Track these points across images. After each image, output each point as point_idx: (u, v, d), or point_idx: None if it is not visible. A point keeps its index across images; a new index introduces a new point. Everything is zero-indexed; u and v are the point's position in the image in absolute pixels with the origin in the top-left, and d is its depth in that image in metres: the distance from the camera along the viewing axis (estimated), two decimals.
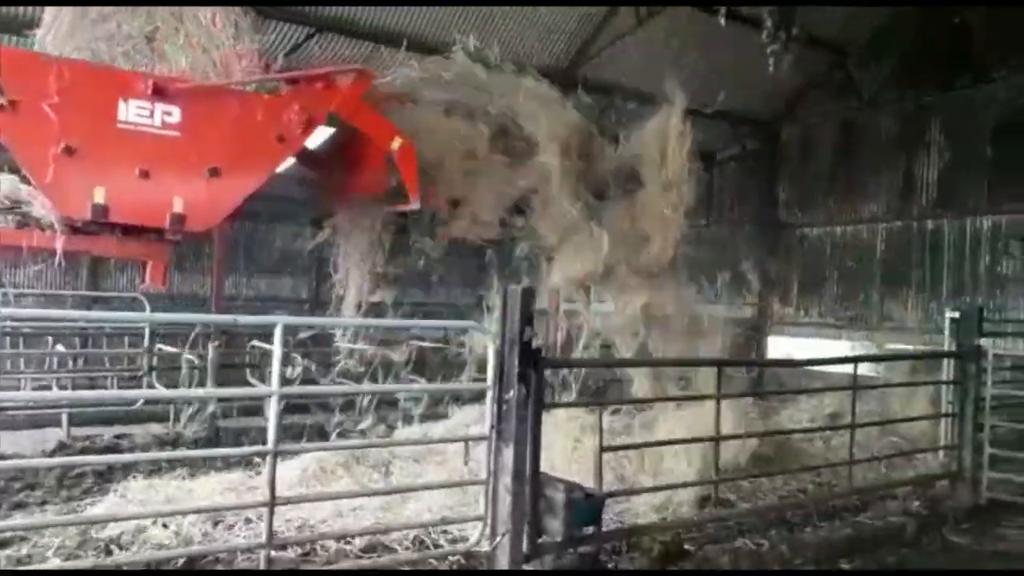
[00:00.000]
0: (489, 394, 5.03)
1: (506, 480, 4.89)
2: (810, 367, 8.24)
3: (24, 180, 5.83)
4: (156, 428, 9.37)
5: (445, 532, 5.66)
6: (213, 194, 5.88)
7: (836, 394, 8.87)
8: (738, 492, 6.68)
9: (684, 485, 6.25)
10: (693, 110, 15.01)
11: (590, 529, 5.09)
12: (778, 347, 16.58)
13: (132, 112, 5.61)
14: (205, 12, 6.27)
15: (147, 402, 9.38)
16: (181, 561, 4.95)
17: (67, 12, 6.02)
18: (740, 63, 13.07)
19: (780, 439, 7.23)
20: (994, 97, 13.35)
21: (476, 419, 8.82)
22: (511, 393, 4.87)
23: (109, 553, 5.18)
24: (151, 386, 9.57)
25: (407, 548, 5.51)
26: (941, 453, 7.65)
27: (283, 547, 5.12)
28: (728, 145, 17.68)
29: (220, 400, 9.11)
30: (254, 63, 6.39)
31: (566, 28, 12.93)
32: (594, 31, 13.03)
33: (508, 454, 4.88)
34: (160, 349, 10.12)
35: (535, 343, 4.94)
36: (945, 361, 8.09)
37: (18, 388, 9.66)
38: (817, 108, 16.41)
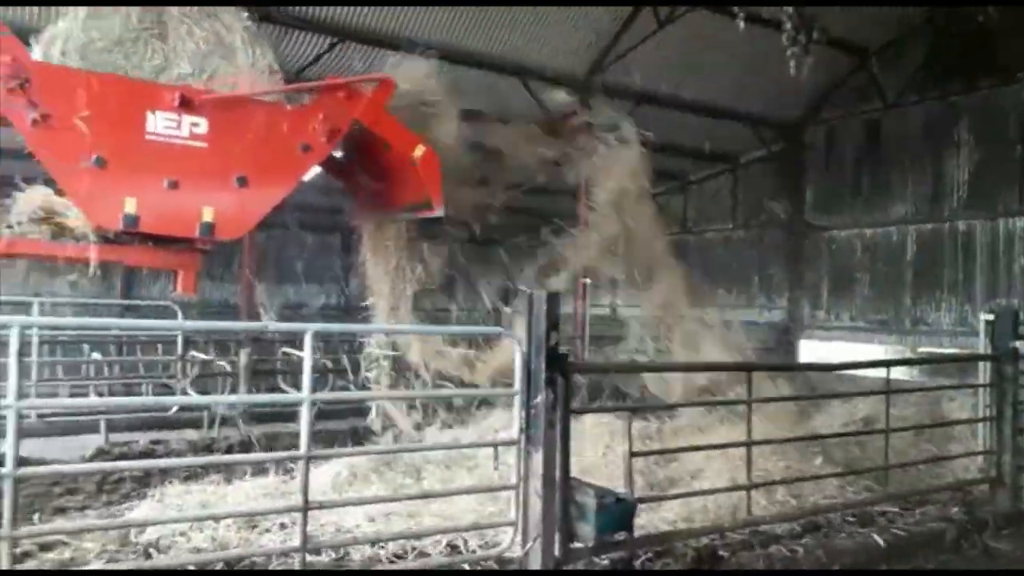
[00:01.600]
0: (517, 399, 5.04)
1: (536, 485, 4.89)
2: (842, 371, 8.15)
3: (59, 192, 5.90)
4: (190, 434, 9.49)
5: (477, 537, 5.68)
6: (242, 203, 5.92)
7: (869, 399, 8.76)
8: (772, 498, 6.61)
9: (717, 491, 6.20)
10: (715, 112, 15.07)
11: (622, 535, 5.08)
12: (809, 351, 16.43)
13: (160, 124, 5.66)
14: (222, 22, 6.29)
15: (181, 408, 9.51)
16: (220, 565, 5.01)
17: (79, 22, 5.97)
18: (761, 65, 13.01)
19: (814, 444, 7.16)
20: (1020, 97, 13.17)
21: (506, 424, 8.86)
22: (539, 398, 4.87)
23: (148, 557, 5.27)
24: (184, 393, 9.72)
25: (440, 553, 5.52)
26: (980, 458, 7.53)
27: (317, 551, 5.17)
28: (752, 148, 17.59)
29: (253, 406, 9.23)
30: (279, 74, 6.43)
31: (585, 34, 12.93)
32: (614, 36, 13.02)
33: (537, 459, 4.89)
34: (193, 356, 10.27)
35: (562, 348, 4.95)
36: (980, 364, 7.96)
37: (56, 395, 9.84)
38: (841, 110, 16.27)
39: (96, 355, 10.44)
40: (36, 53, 5.77)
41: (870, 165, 15.83)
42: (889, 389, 6.99)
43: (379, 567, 5.24)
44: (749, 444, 6.03)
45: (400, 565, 5.25)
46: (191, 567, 4.94)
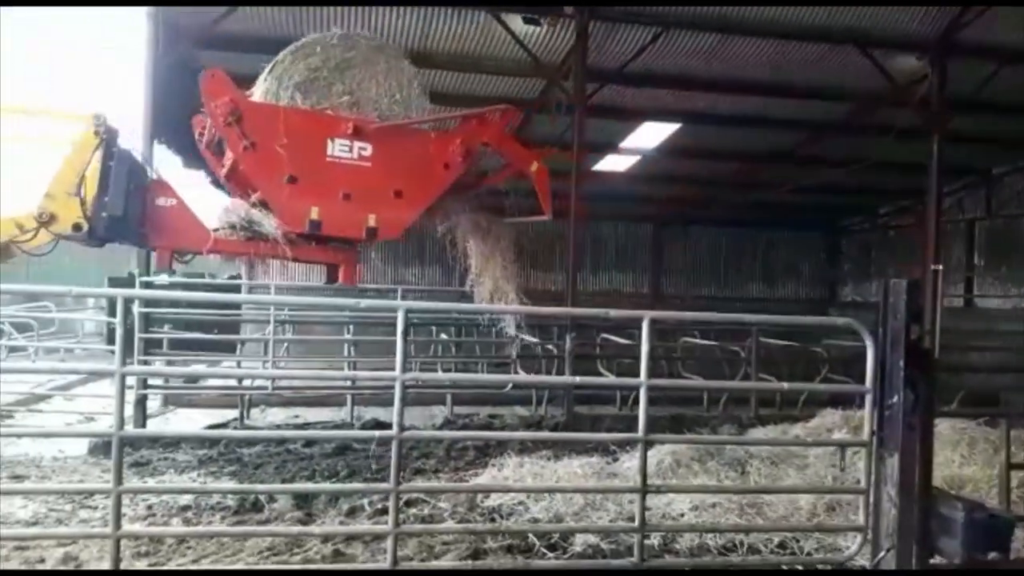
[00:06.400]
0: (868, 398, 4.65)
1: (890, 491, 4.45)
2: None
3: (253, 205, 7.20)
4: (520, 410, 10.17)
5: (812, 540, 5.37)
6: (397, 211, 7.14)
7: None
8: None
9: None
10: None
11: (995, 555, 4.43)
12: None
13: (337, 148, 6.92)
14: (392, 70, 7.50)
15: (514, 386, 10.24)
16: (556, 536, 5.29)
17: (287, 64, 7.36)
18: None
19: None
20: None
21: (838, 423, 8.24)
22: (895, 398, 4.43)
23: (492, 520, 5.75)
24: (516, 372, 10.43)
25: (770, 551, 5.30)
26: None
27: (646, 534, 5.22)
28: None
29: (575, 387, 9.62)
30: (428, 108, 7.66)
31: None
32: None
33: (892, 464, 4.45)
34: (523, 339, 10.98)
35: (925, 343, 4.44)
36: None
37: (412, 370, 11.11)
38: None
39: (442, 336, 11.64)
40: (259, 88, 7.14)
41: None
42: None
43: (707, 557, 5.17)
44: None
45: (734, 557, 5.12)
46: (531, 535, 5.29)
